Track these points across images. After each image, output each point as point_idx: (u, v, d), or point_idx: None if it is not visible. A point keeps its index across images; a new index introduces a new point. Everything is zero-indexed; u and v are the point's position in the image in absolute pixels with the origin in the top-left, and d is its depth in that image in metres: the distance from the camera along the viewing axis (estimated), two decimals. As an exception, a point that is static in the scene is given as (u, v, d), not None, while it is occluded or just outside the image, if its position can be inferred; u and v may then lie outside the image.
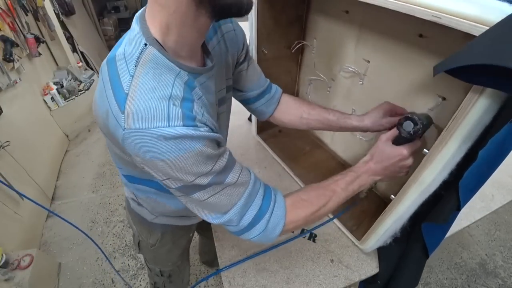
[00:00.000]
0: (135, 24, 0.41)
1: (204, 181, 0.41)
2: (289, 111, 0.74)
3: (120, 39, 0.45)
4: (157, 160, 0.38)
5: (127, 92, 0.37)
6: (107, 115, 0.39)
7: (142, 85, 0.38)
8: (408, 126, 0.52)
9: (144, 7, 0.43)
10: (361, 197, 0.73)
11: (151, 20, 0.40)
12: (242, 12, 0.41)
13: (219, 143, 0.43)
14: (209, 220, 0.48)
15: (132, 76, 0.38)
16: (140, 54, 0.39)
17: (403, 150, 0.54)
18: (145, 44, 0.39)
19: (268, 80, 0.73)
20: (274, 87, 0.74)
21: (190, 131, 0.37)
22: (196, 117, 0.39)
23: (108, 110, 0.39)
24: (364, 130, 0.67)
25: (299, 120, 0.72)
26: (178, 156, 0.37)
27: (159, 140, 0.36)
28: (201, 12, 0.39)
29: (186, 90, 0.41)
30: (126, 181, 0.60)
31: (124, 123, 0.37)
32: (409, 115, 0.52)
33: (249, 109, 0.76)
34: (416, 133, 0.52)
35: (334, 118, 0.69)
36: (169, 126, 0.36)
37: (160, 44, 0.40)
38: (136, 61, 0.38)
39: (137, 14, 0.43)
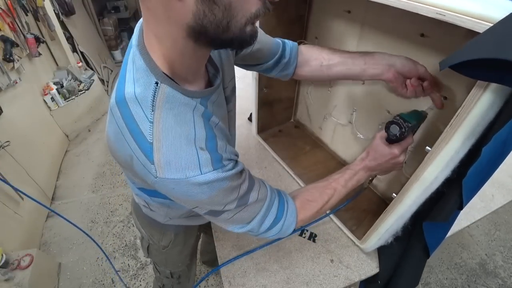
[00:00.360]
0: (137, 57, 0.39)
1: (231, 206, 0.45)
2: (308, 62, 0.69)
3: (122, 70, 0.42)
4: (189, 199, 0.41)
5: (151, 141, 0.37)
6: (132, 159, 0.40)
7: (165, 132, 0.38)
8: (394, 129, 0.55)
9: (137, 33, 0.41)
10: (365, 187, 0.75)
11: (153, 52, 0.39)
12: (244, 46, 0.39)
13: (241, 171, 0.46)
14: (232, 230, 0.52)
15: (152, 123, 0.37)
16: (154, 97, 0.38)
17: (395, 150, 0.57)
18: (156, 83, 0.38)
19: (281, 42, 0.68)
20: (288, 46, 0.68)
21: (220, 174, 0.40)
22: (222, 156, 0.41)
23: (132, 156, 0.39)
24: (392, 68, 0.59)
25: (319, 68, 0.68)
26: (210, 195, 0.41)
27: (193, 186, 0.39)
28: (199, 45, 0.37)
29: (206, 124, 0.42)
30: (140, 192, 0.57)
31: (156, 172, 0.38)
32: (394, 119, 0.55)
33: (270, 77, 0.73)
34: (402, 134, 0.55)
35: (359, 55, 0.64)
36: (201, 173, 0.38)
37: (170, 77, 0.39)
38: (152, 105, 0.38)
39: (134, 43, 0.40)
